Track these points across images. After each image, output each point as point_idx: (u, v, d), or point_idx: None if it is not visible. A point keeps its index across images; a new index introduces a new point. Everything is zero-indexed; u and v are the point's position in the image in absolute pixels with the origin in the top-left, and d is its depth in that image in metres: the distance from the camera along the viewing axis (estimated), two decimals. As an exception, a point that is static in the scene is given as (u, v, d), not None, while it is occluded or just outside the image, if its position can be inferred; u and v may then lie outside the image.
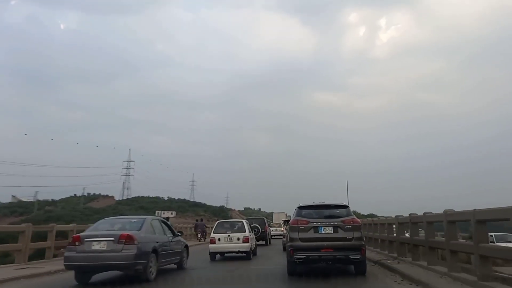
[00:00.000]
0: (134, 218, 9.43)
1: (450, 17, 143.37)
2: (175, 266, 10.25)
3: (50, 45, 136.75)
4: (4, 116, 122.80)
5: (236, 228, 13.53)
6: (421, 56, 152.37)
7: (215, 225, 14.51)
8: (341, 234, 8.26)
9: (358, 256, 8.18)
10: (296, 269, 8.61)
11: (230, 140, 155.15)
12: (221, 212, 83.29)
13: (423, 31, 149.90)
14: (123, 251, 7.79)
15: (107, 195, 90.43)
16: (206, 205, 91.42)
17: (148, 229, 8.81)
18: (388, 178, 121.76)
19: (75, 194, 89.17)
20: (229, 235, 13.11)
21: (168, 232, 9.94)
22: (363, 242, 8.54)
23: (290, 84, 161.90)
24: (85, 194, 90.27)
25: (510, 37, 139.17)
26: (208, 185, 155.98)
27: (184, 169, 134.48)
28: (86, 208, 76.53)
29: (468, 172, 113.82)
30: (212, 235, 13.48)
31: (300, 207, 9.12)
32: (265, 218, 24.75)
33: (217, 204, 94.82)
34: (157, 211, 77.02)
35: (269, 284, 8.15)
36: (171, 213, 74.28)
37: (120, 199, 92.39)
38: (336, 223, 8.38)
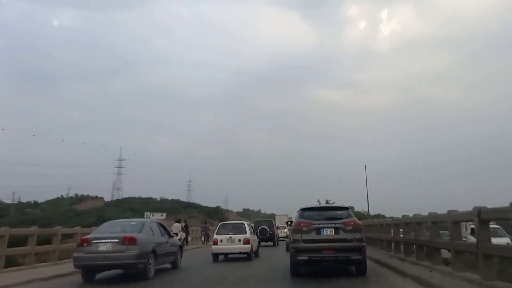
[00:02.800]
0: (135, 221, 11.13)
1: (454, 9, 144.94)
2: (170, 265, 11.89)
3: (46, 42, 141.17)
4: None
5: (238, 230, 15.07)
6: (424, 50, 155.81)
7: (218, 226, 16.21)
8: (342, 235, 9.06)
9: (359, 257, 9.03)
10: (299, 270, 9.49)
11: (230, 139, 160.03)
12: (217, 214, 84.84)
13: (426, 24, 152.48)
14: (126, 251, 9.36)
15: (96, 196, 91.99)
16: (201, 205, 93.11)
17: (148, 231, 10.46)
18: (393, 176, 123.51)
19: (62, 196, 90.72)
20: (230, 237, 14.62)
21: (165, 234, 11.63)
22: (363, 243, 9.34)
23: (291, 80, 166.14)
24: (73, 195, 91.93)
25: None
26: (207, 186, 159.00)
27: (183, 169, 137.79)
28: (68, 210, 77.59)
29: (475, 168, 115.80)
30: (215, 236, 15.07)
31: (303, 209, 9.97)
32: (273, 221, 27.10)
33: (216, 205, 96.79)
34: (146, 213, 78.30)
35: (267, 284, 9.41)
36: (161, 215, 75.42)
37: (113, 200, 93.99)
38: (337, 225, 9.18)
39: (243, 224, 16.02)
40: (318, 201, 47.88)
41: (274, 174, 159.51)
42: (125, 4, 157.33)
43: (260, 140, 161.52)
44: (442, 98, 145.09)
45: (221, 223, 17.51)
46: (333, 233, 9.12)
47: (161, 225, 12.00)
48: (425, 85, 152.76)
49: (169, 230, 12.36)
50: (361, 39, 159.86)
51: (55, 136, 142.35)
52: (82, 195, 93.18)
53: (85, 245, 9.55)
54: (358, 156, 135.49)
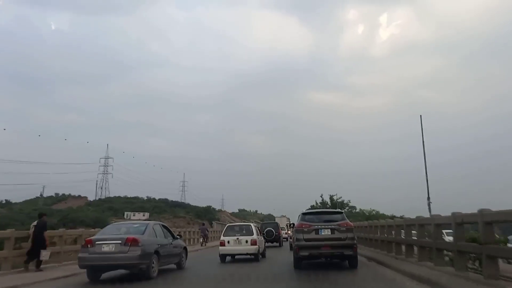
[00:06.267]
0: (138, 223, 12.06)
1: (450, 13, 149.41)
2: (175, 266, 12.69)
3: (41, 46, 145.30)
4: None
5: (245, 231, 16.07)
6: (420, 54, 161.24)
7: (225, 228, 17.24)
8: (337, 235, 11.31)
9: (351, 252, 11.33)
10: (301, 264, 11.70)
11: (225, 141, 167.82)
12: (207, 214, 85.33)
13: (423, 28, 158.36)
14: (129, 252, 10.13)
15: (79, 196, 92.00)
16: (190, 205, 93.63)
17: (151, 233, 11.24)
18: (389, 178, 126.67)
19: (41, 195, 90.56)
20: (237, 238, 15.61)
21: (169, 236, 12.42)
22: (355, 241, 11.61)
23: (287, 83, 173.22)
24: (53, 194, 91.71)
25: (511, 33, 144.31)
26: (203, 187, 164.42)
27: (179, 170, 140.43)
28: (36, 210, 76.86)
29: (470, 171, 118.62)
30: (222, 238, 16.02)
31: (304, 213, 12.56)
32: (278, 223, 30.24)
33: (213, 206, 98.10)
34: (126, 213, 78.73)
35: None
36: (143, 215, 75.57)
37: (96, 199, 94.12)
38: (333, 226, 11.45)
39: (250, 225, 17.05)
40: (321, 196, 50.24)
41: (270, 176, 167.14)
42: (120, 7, 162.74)
43: (256, 142, 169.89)
44: (438, 101, 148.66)
45: (228, 224, 18.73)
46: (330, 233, 11.38)
47: (165, 227, 12.80)
48: (420, 89, 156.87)
49: (173, 232, 13.07)
50: (358, 43, 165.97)
51: (50, 138, 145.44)
52: (63, 195, 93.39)
53: (89, 246, 10.32)
54: (354, 158, 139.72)
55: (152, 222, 12.18)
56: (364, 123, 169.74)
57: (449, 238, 12.52)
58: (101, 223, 50.02)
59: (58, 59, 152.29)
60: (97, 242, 10.30)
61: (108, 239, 10.37)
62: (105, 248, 10.17)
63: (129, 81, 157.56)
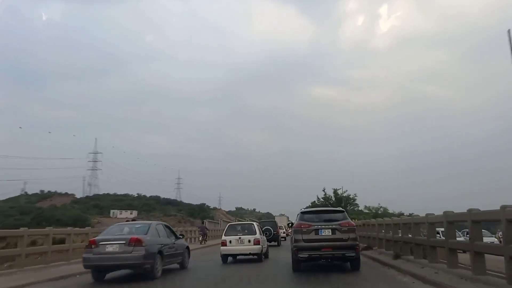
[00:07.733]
0: (141, 223, 12.47)
1: (452, 5, 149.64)
2: (178, 266, 13.17)
3: (33, 39, 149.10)
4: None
5: (247, 230, 16.04)
6: (422, 47, 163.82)
7: (226, 227, 17.23)
8: (338, 235, 11.08)
9: (353, 254, 11.09)
10: (300, 266, 11.49)
11: (224, 138, 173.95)
12: (201, 212, 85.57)
13: (425, 20, 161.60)
14: (133, 252, 10.57)
15: (65, 193, 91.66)
16: (183, 203, 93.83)
17: (154, 233, 11.69)
18: (390, 176, 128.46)
19: (26, 192, 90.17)
20: (240, 238, 15.57)
21: (171, 235, 12.91)
22: (357, 242, 11.47)
23: (286, 78, 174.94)
24: (38, 191, 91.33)
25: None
26: (201, 186, 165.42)
27: (174, 168, 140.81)
28: (13, 208, 76.12)
29: (472, 169, 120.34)
30: (224, 237, 15.92)
31: (303, 212, 12.26)
32: (276, 222, 30.43)
33: (210, 204, 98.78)
34: (112, 211, 78.65)
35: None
36: (131, 213, 75.43)
37: (83, 196, 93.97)
38: (334, 226, 11.21)
39: (252, 224, 17.15)
40: (324, 190, 49.03)
41: (270, 174, 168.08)
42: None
43: (255, 140, 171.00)
44: (441, 96, 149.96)
45: (230, 224, 18.89)
46: (330, 233, 11.12)
47: (167, 226, 13.29)
48: (422, 84, 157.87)
49: (175, 232, 13.62)
50: (358, 36, 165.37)
51: (51, 135, 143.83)
52: (49, 192, 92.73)
53: (93, 246, 10.75)
54: (357, 155, 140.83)
55: (154, 222, 12.65)
56: (364, 119, 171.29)
57: None
58: (81, 222, 50.10)
59: (50, 53, 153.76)
60: (101, 243, 10.70)
61: (112, 240, 10.78)
62: (109, 248, 10.58)
63: (124, 76, 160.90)
